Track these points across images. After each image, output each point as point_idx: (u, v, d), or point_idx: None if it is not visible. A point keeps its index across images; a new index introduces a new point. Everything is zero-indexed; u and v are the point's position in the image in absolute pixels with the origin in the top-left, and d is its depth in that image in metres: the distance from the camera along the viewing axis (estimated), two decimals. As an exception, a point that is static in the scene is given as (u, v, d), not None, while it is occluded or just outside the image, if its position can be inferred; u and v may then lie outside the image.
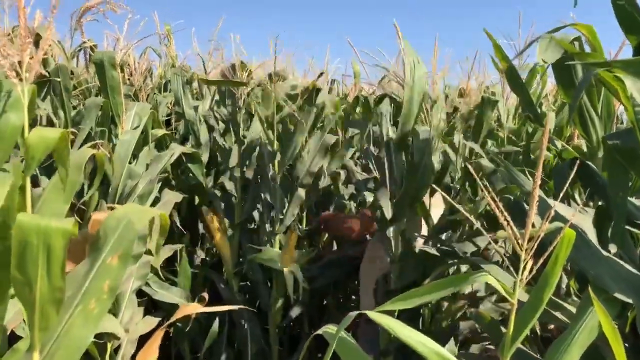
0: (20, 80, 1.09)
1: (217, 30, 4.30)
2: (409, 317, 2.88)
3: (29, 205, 1.12)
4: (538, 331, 2.29)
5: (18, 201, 1.13)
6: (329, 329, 1.43)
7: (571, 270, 2.20)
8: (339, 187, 3.97)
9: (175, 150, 3.24)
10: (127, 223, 1.27)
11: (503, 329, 1.93)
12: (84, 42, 3.44)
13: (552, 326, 2.43)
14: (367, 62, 3.59)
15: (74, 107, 3.61)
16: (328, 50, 4.02)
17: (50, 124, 3.04)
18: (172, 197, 3.21)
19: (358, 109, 4.22)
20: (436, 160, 2.73)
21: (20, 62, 1.08)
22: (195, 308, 1.42)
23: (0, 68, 1.09)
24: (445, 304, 3.04)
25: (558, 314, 1.56)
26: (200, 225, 3.90)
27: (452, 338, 2.92)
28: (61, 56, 3.19)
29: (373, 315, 1.35)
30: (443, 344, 2.87)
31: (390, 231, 2.90)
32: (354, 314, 1.40)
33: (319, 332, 1.43)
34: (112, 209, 1.34)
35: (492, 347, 3.05)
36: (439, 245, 2.72)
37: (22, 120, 1.16)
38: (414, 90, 2.48)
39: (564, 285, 2.43)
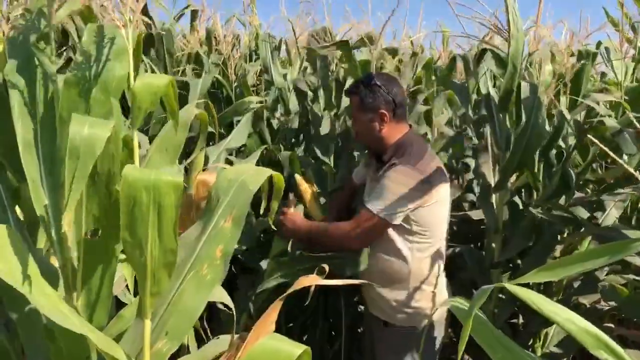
0: (125, 25, 0.98)
1: (305, -8, 4.15)
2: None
3: (136, 160, 1.03)
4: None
5: (126, 157, 1.04)
6: (458, 302, 1.28)
7: None
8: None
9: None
10: (240, 183, 1.16)
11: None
12: (187, 7, 3.42)
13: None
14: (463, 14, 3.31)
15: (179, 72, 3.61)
16: (421, 11, 3.78)
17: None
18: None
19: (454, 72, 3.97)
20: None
21: (123, 5, 0.97)
22: (313, 280, 1.30)
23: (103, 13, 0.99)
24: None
25: None
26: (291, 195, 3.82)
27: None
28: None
29: (511, 287, 1.18)
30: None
31: (494, 199, 2.68)
32: (488, 287, 1.24)
33: (447, 305, 1.28)
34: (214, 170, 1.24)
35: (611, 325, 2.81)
36: (552, 210, 2.48)
37: (127, 70, 1.07)
38: (519, 42, 2.24)
39: None
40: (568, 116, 2.44)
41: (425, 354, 2.16)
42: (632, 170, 1.07)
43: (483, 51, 2.61)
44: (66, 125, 1.09)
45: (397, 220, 2.05)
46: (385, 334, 2.22)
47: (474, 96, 3.28)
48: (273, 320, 1.27)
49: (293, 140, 3.83)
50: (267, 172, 1.18)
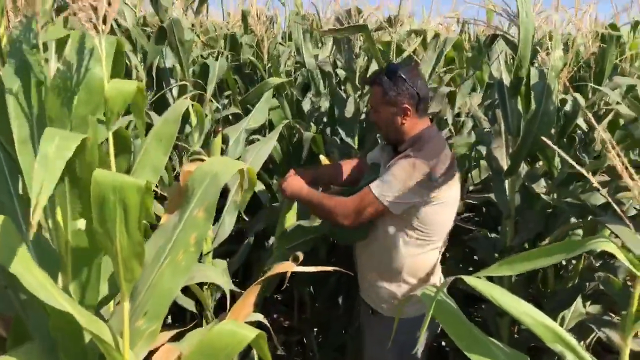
0: (97, 32, 1.07)
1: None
2: (527, 276, 2.68)
3: (112, 160, 1.13)
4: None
5: (102, 156, 1.14)
6: (428, 289, 1.34)
7: None
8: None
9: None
10: (213, 176, 1.25)
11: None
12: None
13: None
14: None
15: (202, 57, 3.72)
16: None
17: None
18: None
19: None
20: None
21: (96, 13, 1.06)
22: (287, 267, 1.39)
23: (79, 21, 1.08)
24: (573, 261, 2.79)
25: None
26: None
27: (580, 297, 2.67)
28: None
29: (471, 280, 1.22)
30: (568, 304, 2.63)
31: (506, 184, 2.66)
32: (450, 278, 1.28)
33: (417, 293, 1.34)
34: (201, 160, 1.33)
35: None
36: (563, 197, 2.47)
37: (108, 73, 1.16)
38: (529, 29, 2.21)
39: None
40: (582, 102, 2.40)
41: (410, 348, 2.11)
42: (583, 171, 1.09)
43: (494, 36, 2.58)
44: (54, 124, 1.21)
45: (398, 210, 2.04)
46: (372, 322, 2.25)
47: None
48: (251, 303, 1.37)
49: (325, 120, 3.90)
50: (239, 164, 1.26)
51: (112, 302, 1.48)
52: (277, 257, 2.43)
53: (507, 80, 2.52)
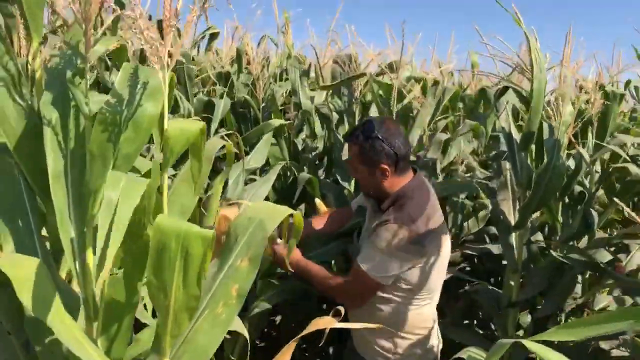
0: (162, 67, 1.01)
1: (334, 21, 4.19)
2: (533, 332, 2.65)
3: (165, 203, 1.05)
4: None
5: (158, 200, 1.06)
6: (473, 352, 1.27)
7: None
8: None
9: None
10: (258, 223, 1.17)
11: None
12: (208, 29, 3.45)
13: None
14: (486, 51, 3.29)
15: (195, 95, 3.66)
16: (452, 39, 3.78)
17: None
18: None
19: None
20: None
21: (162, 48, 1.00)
22: (328, 323, 1.30)
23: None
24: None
25: None
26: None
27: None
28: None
29: (529, 344, 1.17)
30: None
31: (513, 238, 2.64)
32: (506, 342, 1.22)
33: (461, 355, 1.27)
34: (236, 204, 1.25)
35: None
36: (569, 253, 2.46)
37: (159, 109, 1.09)
38: (542, 83, 2.23)
39: None
40: (587, 157, 2.43)
41: None
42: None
43: (504, 88, 2.61)
44: (95, 160, 1.12)
45: (389, 282, 1.99)
46: None
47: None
48: (288, 358, 1.28)
49: (317, 162, 3.86)
50: (286, 211, 1.19)
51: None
52: (264, 300, 2.38)
53: (514, 132, 2.53)
